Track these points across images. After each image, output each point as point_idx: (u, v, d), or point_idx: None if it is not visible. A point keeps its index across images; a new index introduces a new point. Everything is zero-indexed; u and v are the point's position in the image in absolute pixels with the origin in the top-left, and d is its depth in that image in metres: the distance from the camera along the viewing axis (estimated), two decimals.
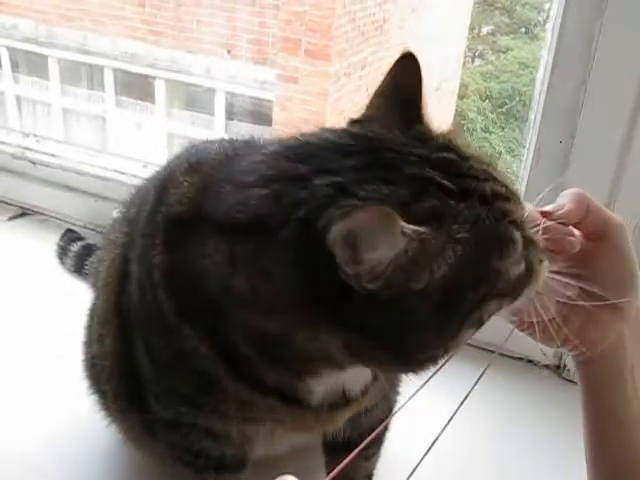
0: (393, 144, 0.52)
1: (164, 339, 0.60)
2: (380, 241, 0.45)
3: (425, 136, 0.54)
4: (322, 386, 0.58)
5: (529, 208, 0.58)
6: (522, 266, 0.52)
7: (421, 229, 0.46)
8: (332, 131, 0.55)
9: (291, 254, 0.48)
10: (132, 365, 0.66)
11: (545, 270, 0.55)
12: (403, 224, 0.45)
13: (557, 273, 0.58)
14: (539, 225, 0.56)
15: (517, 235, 0.51)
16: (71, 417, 0.86)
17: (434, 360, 0.52)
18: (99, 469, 0.82)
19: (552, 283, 0.56)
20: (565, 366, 0.99)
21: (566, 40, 0.89)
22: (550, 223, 0.57)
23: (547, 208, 0.59)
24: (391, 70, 0.57)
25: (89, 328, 0.80)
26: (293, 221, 0.48)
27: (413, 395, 0.53)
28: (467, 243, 0.48)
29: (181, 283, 0.57)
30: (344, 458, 0.66)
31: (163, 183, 0.63)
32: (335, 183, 0.48)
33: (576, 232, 0.60)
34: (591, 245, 0.60)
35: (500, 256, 0.50)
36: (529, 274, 0.53)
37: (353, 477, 0.74)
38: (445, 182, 0.49)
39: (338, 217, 0.44)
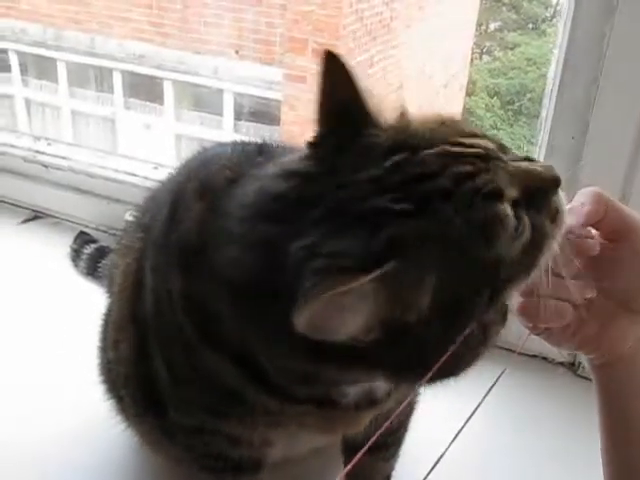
0: (345, 177, 0.48)
1: (185, 356, 0.60)
2: (346, 313, 0.44)
3: (373, 144, 0.49)
4: (356, 388, 0.58)
5: None
6: (526, 234, 0.47)
7: (382, 270, 0.43)
8: (297, 173, 0.51)
9: (288, 324, 0.47)
10: (148, 371, 0.66)
11: (563, 222, 0.50)
12: (359, 282, 0.42)
13: (575, 276, 0.55)
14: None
15: (500, 208, 0.46)
16: (85, 420, 0.86)
17: (471, 364, 0.51)
18: (112, 473, 0.82)
19: (570, 286, 0.54)
20: (580, 363, 0.98)
21: (577, 36, 0.88)
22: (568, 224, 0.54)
23: None
24: (319, 78, 0.52)
25: (104, 333, 0.79)
26: (281, 293, 0.47)
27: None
28: (443, 256, 0.45)
29: (202, 313, 0.56)
30: (363, 459, 0.65)
31: (175, 199, 0.62)
32: (306, 246, 0.46)
33: (594, 232, 0.58)
34: (611, 245, 0.57)
35: (488, 244, 0.45)
36: (539, 237, 0.48)
37: (372, 478, 0.74)
38: (399, 205, 0.45)
39: (297, 313, 0.43)
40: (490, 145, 0.48)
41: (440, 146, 0.47)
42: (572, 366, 1.00)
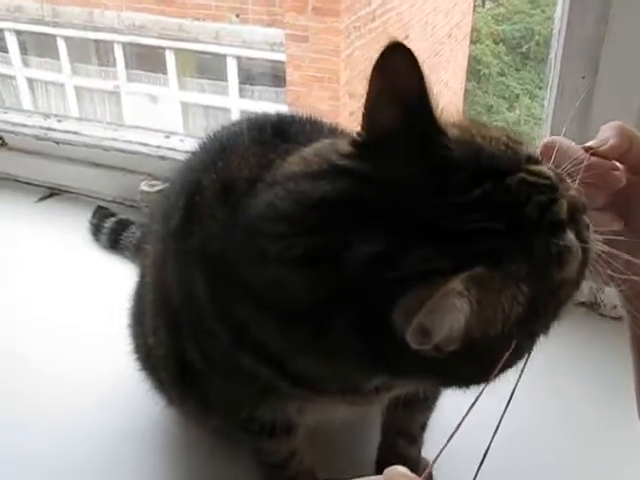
0: (419, 190, 0.46)
1: (220, 355, 0.60)
2: (450, 320, 0.43)
3: (447, 161, 0.47)
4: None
5: (573, 146, 0.56)
6: (579, 255, 0.48)
7: (475, 271, 0.43)
8: (346, 172, 0.48)
9: (353, 341, 0.47)
10: (185, 355, 0.66)
11: (593, 235, 0.51)
12: (457, 281, 0.42)
13: (602, 210, 0.56)
14: (582, 162, 0.54)
15: (570, 238, 0.48)
16: (111, 391, 0.88)
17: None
18: (145, 441, 0.83)
19: (597, 220, 0.53)
20: (602, 302, 0.99)
21: None
22: (594, 159, 0.55)
23: (590, 143, 0.57)
24: (377, 71, 0.47)
25: (140, 318, 0.78)
26: (343, 310, 0.47)
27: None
28: (529, 275, 0.45)
29: (235, 322, 0.56)
30: (402, 413, 0.72)
31: (191, 195, 0.60)
32: (375, 255, 0.45)
33: (620, 166, 0.58)
34: (636, 179, 0.57)
35: (560, 269, 0.47)
36: (586, 255, 0.50)
37: (408, 428, 0.75)
38: (491, 224, 0.45)
39: (404, 317, 0.42)
40: (551, 174, 0.50)
41: (518, 174, 0.48)
42: (593, 305, 1.00)
